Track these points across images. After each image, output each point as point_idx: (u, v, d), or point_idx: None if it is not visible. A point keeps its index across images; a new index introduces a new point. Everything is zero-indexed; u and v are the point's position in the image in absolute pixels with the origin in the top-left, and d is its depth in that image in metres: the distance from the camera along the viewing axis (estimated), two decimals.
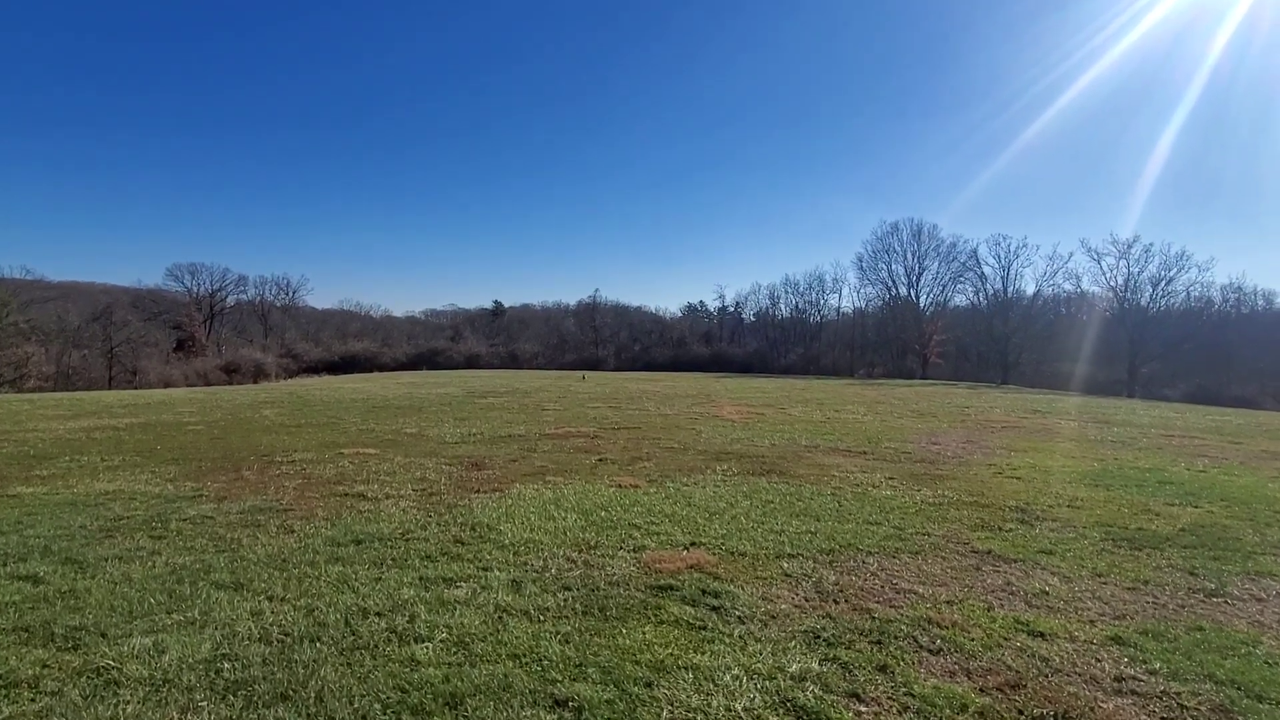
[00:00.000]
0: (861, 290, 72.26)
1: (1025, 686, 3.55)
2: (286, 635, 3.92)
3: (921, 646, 4.00)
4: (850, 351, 67.61)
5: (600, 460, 10.11)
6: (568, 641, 3.92)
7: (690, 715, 3.19)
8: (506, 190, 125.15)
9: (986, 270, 61.52)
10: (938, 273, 65.54)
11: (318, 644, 3.82)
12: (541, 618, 4.25)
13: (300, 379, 48.06)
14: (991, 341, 58.43)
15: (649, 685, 3.44)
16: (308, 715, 3.11)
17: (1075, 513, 7.40)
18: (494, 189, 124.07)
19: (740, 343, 78.47)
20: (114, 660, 3.58)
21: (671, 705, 3.27)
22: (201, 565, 5.11)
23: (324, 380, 42.22)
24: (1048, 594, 4.92)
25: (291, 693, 3.30)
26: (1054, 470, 10.16)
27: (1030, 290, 60.65)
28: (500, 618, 4.23)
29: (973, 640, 4.09)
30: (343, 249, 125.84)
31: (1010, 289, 60.51)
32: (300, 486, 8.00)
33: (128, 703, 3.19)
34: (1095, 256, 54.89)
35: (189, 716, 3.09)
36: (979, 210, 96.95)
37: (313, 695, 3.28)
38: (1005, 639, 4.13)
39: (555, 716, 3.15)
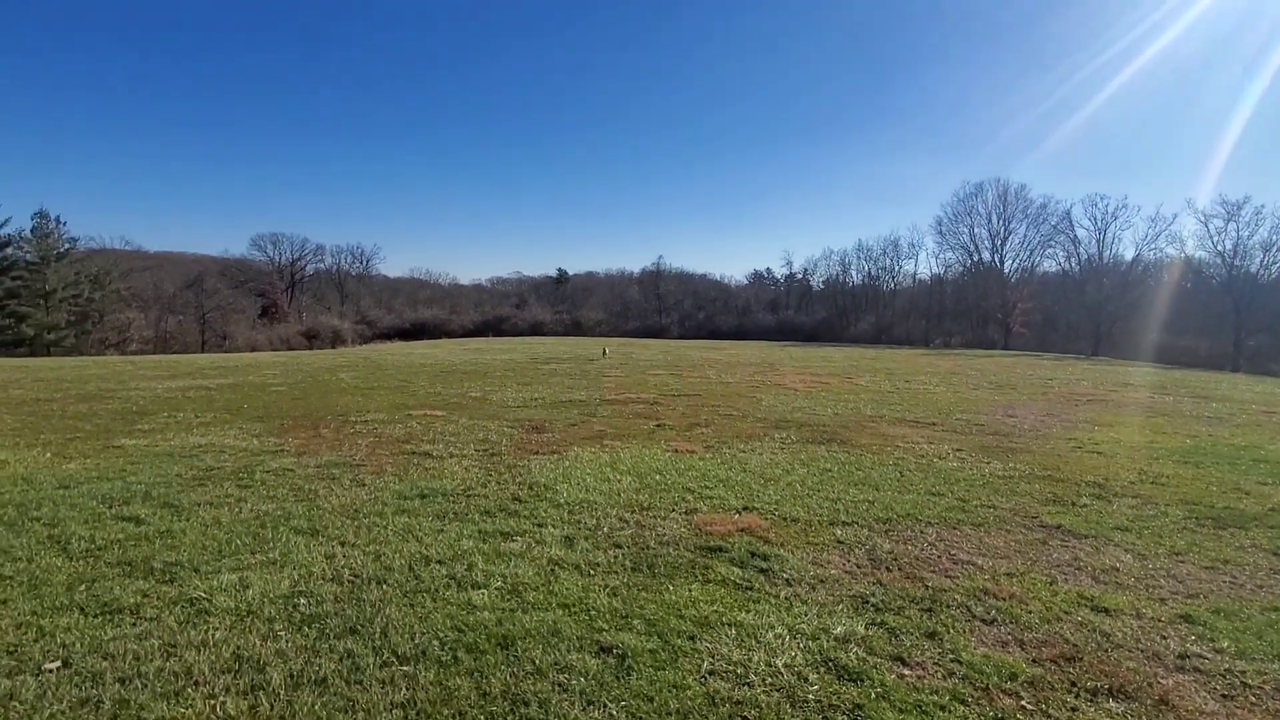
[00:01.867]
0: (940, 255, 68.27)
1: (1081, 659, 3.42)
2: (356, 577, 4.20)
3: (974, 616, 3.90)
4: (925, 320, 64.40)
5: (658, 426, 10.19)
6: (615, 594, 4.03)
7: (731, 668, 3.24)
8: (569, 156, 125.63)
9: (1080, 233, 56.79)
10: (1025, 236, 60.98)
11: (383, 586, 4.07)
12: (591, 572, 4.38)
13: (374, 345, 50.28)
14: (1083, 310, 54.48)
15: (692, 639, 3.51)
16: (373, 648, 3.34)
17: (1158, 489, 6.95)
18: (552, 153, 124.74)
19: (807, 311, 76.34)
20: (205, 593, 3.92)
21: (713, 657, 3.32)
22: (282, 512, 5.50)
23: (395, 346, 44.06)
24: (1118, 570, 4.68)
25: (359, 628, 3.55)
26: (1140, 446, 9.55)
27: (1129, 255, 55.92)
28: (552, 570, 4.39)
29: (1030, 612, 3.96)
30: (413, 218, 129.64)
31: (1106, 253, 55.95)
32: (372, 444, 8.44)
33: (216, 629, 3.51)
34: (1202, 219, 50.16)
35: (269, 643, 3.37)
36: (1072, 169, 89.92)
37: (378, 630, 3.51)
38: (1066, 613, 3.98)
39: (600, 662, 3.26)
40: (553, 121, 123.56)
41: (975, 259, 64.09)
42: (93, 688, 2.96)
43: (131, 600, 3.82)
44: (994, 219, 61.55)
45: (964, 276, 65.76)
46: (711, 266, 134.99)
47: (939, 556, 4.88)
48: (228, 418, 10.54)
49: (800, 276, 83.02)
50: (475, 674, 3.13)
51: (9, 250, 43.19)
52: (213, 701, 2.87)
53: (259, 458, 7.57)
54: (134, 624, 3.55)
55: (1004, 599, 4.12)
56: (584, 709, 2.87)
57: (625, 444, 8.67)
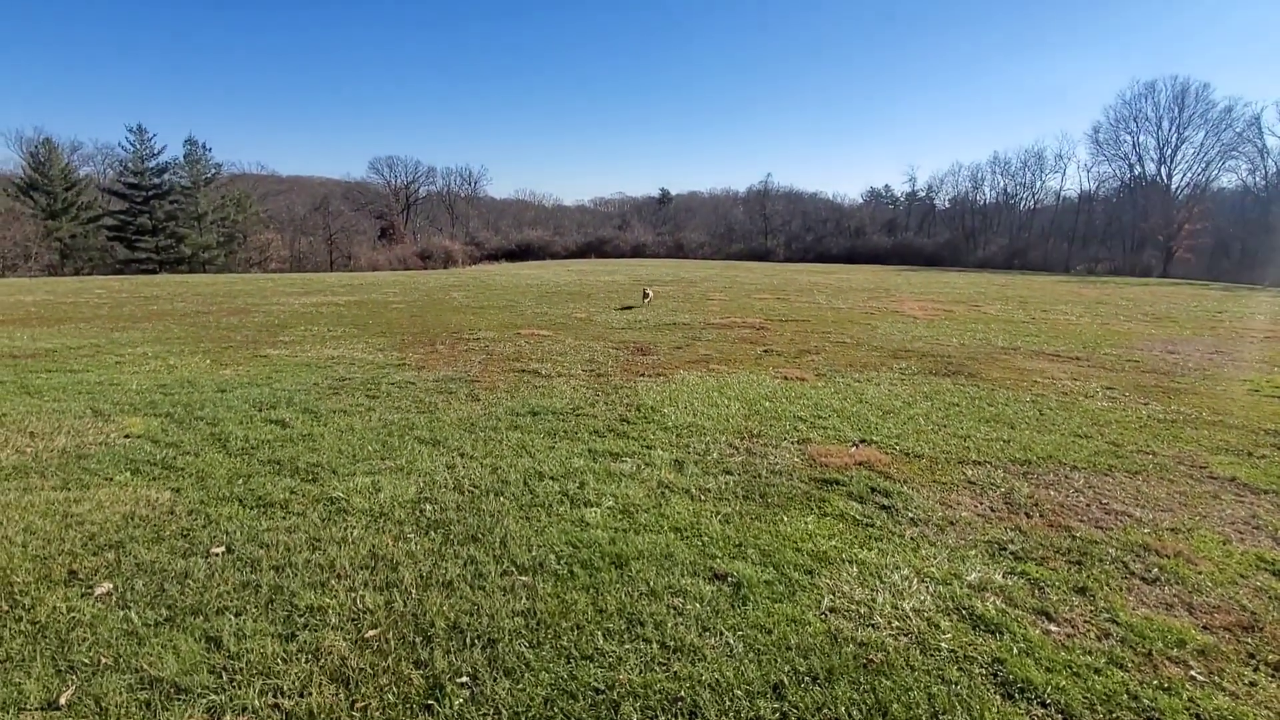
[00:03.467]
0: (1094, 169, 60.29)
1: (1262, 630, 2.99)
2: (475, 488, 4.35)
3: (1133, 573, 3.50)
4: (1068, 243, 57.48)
5: (766, 351, 9.86)
6: (728, 522, 3.94)
7: (853, 607, 3.07)
8: (670, 68, 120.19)
9: (1271, 142, 47.96)
10: (1202, 146, 51.85)
11: (501, 498, 4.20)
12: (702, 497, 4.30)
13: (482, 265, 52.11)
14: (1264, 233, 46.62)
15: (810, 573, 3.37)
16: (494, 556, 3.45)
17: None
18: (655, 64, 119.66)
19: (929, 232, 70.34)
20: (343, 493, 4.21)
21: (833, 594, 3.17)
22: (407, 423, 5.80)
23: (502, 266, 45.44)
24: None
25: (480, 536, 3.68)
26: None
27: None
28: (663, 493, 4.35)
29: (1200, 574, 3.49)
30: (518, 138, 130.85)
31: None
32: (484, 361, 8.73)
33: (353, 528, 3.75)
34: None
35: (400, 544, 3.57)
36: (1269, 62, 75.25)
37: (498, 540, 3.62)
38: (1242, 576, 3.49)
39: (714, 588, 3.20)
40: (654, 28, 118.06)
41: (1136, 172, 56.09)
42: (252, 573, 3.24)
43: (281, 496, 4.16)
44: (1165, 125, 52.90)
45: (1120, 193, 57.96)
46: (823, 184, 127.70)
47: (1088, 504, 4.41)
48: (355, 332, 11.26)
49: (923, 194, 76.51)
50: (591, 590, 3.15)
51: (167, 176, 47.69)
52: (353, 594, 3.07)
53: (384, 370, 8.03)
54: (284, 518, 3.87)
55: (1168, 556, 3.66)
56: (700, 635, 2.82)
57: (732, 369, 8.45)
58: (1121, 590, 3.33)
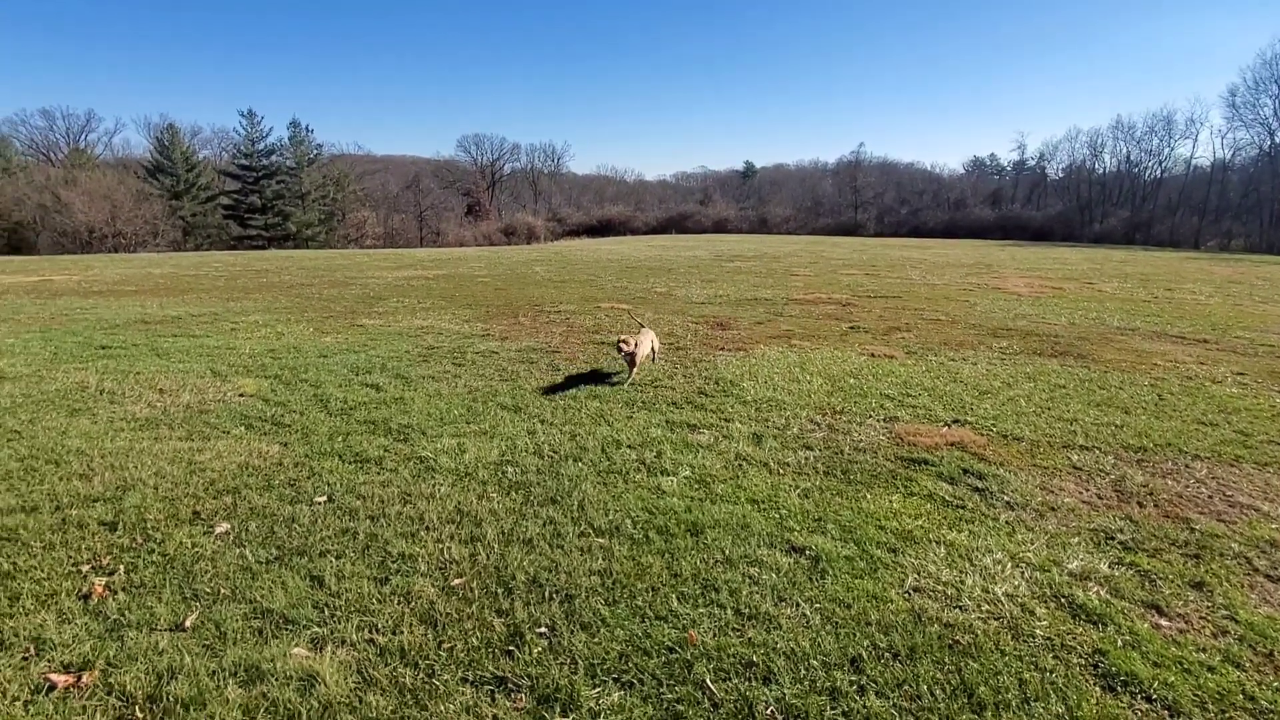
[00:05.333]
0: (1229, 136, 53.91)
1: None
2: (555, 453, 4.45)
3: (1256, 570, 3.18)
4: (1198, 216, 51.89)
5: (852, 328, 9.52)
6: (807, 496, 3.85)
7: (939, 587, 2.94)
8: (756, 37, 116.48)
9: None
10: None
11: (579, 464, 4.28)
12: (781, 471, 4.22)
13: (564, 241, 52.87)
14: None
15: (893, 551, 3.25)
16: (572, 518, 3.53)
17: None
18: (741, 35, 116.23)
19: (1039, 204, 65.34)
20: (431, 453, 4.41)
21: (918, 574, 3.05)
22: (490, 390, 6.00)
23: (583, 242, 45.93)
24: None
25: (559, 499, 3.77)
26: None
27: None
28: (740, 465, 4.30)
29: None
30: (601, 114, 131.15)
31: None
32: (565, 333, 8.89)
33: (441, 485, 3.93)
34: None
35: (483, 502, 3.71)
36: None
37: (575, 503, 3.70)
38: None
39: (791, 560, 3.15)
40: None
41: (1278, 140, 50.00)
42: (350, 521, 3.47)
43: (375, 454, 4.41)
44: None
45: (1258, 162, 51.71)
46: (920, 154, 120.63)
47: (1210, 496, 4.02)
48: (443, 304, 11.73)
49: (1034, 163, 70.89)
50: (666, 555, 3.17)
51: (274, 157, 51.03)
52: (441, 545, 3.23)
53: (469, 340, 8.33)
54: (378, 473, 4.10)
55: None
56: (775, 604, 2.79)
57: (815, 345, 8.22)
58: (1243, 587, 3.03)
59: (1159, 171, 58.76)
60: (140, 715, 2.15)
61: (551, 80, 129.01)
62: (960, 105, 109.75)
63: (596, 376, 6.48)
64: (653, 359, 6.88)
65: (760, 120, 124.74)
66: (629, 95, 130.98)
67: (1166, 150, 58.29)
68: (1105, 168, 62.25)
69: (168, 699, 2.21)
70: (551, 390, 5.98)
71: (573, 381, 6.28)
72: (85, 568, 3.00)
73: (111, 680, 2.29)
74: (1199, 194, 53.97)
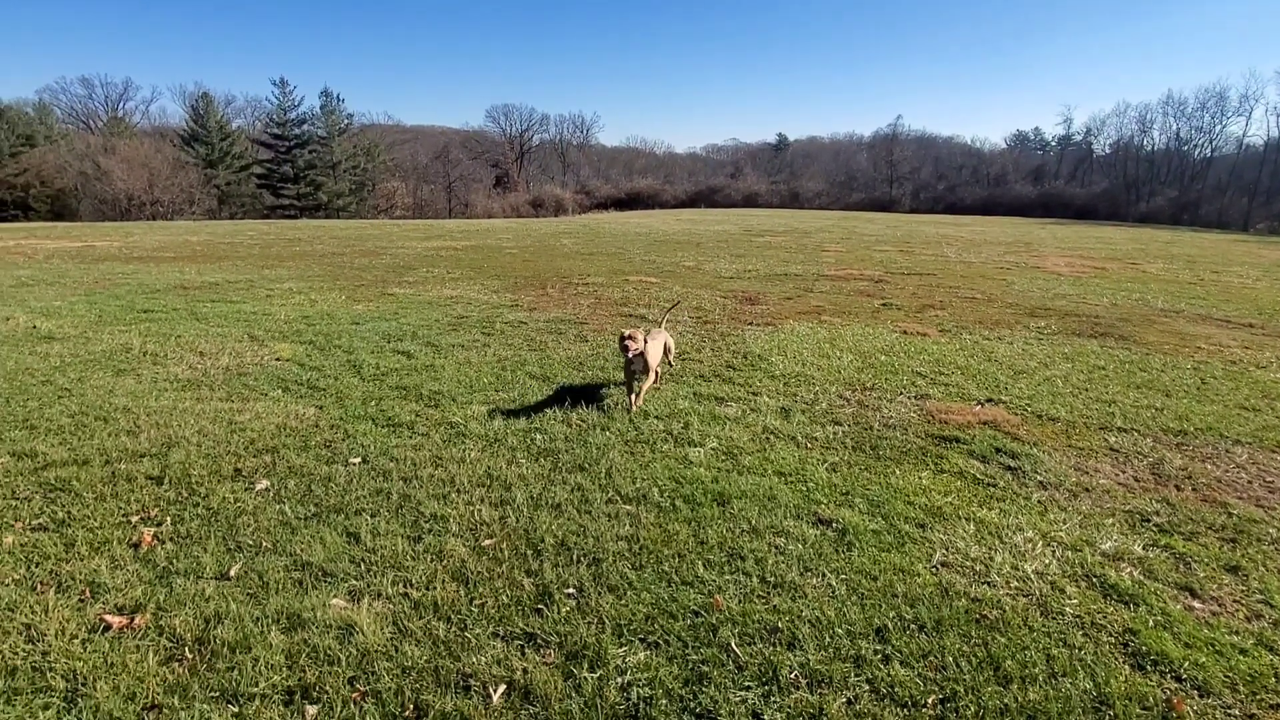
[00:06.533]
0: None
1: None
2: (582, 422, 4.49)
3: None
4: (1249, 198, 49.34)
5: (884, 305, 9.37)
6: (835, 470, 3.84)
7: (967, 563, 2.93)
8: (791, 5, 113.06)
9: None
10: None
11: (607, 432, 4.31)
12: (809, 445, 4.21)
13: (592, 214, 52.61)
14: None
15: (921, 526, 3.23)
16: (599, 485, 3.57)
17: None
18: (775, 3, 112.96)
19: (1084, 181, 62.71)
20: (461, 419, 4.48)
21: (946, 550, 3.03)
22: (519, 359, 6.05)
23: (612, 215, 45.68)
24: None
25: (587, 466, 3.81)
26: None
27: None
28: (767, 438, 4.30)
29: None
30: (632, 84, 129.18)
31: None
32: (592, 305, 8.90)
33: (471, 450, 4.00)
34: None
35: (513, 467, 3.77)
36: None
37: (603, 471, 3.74)
38: None
39: (818, 531, 3.15)
40: None
41: None
42: (384, 482, 3.56)
43: (407, 418, 4.50)
44: None
45: None
46: (960, 127, 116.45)
47: (1250, 481, 3.91)
48: (472, 275, 11.81)
49: (1079, 138, 68.06)
50: (693, 523, 3.20)
51: (306, 127, 51.40)
52: (472, 507, 3.30)
53: (498, 310, 8.39)
54: (410, 437, 4.19)
55: None
56: (801, 574, 2.80)
57: (846, 321, 8.11)
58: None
59: (1210, 150, 56.07)
60: (190, 656, 2.25)
61: (582, 50, 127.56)
62: (1003, 77, 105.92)
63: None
64: (669, 365, 5.63)
65: (794, 91, 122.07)
66: (659, 65, 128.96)
67: (1218, 128, 55.54)
68: (1154, 145, 59.46)
69: (215, 642, 2.31)
70: (579, 360, 6.01)
71: (600, 352, 6.30)
72: (134, 518, 3.14)
73: (162, 623, 2.41)
74: (1250, 174, 51.34)
